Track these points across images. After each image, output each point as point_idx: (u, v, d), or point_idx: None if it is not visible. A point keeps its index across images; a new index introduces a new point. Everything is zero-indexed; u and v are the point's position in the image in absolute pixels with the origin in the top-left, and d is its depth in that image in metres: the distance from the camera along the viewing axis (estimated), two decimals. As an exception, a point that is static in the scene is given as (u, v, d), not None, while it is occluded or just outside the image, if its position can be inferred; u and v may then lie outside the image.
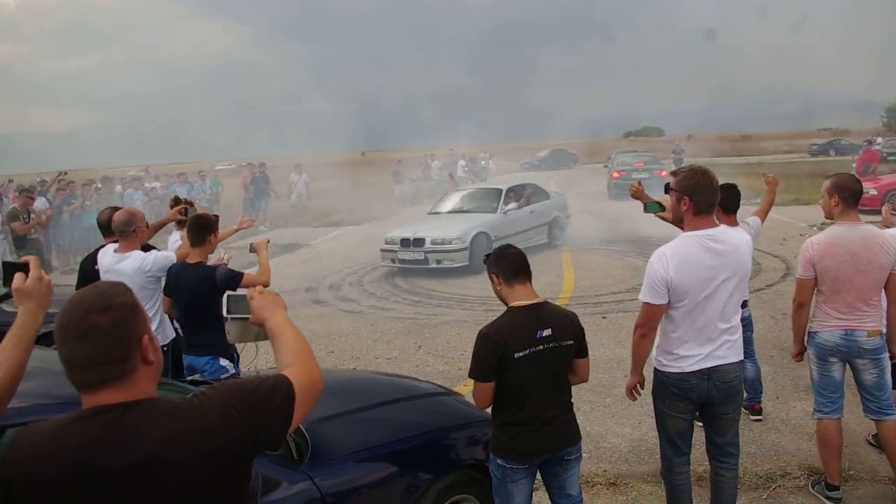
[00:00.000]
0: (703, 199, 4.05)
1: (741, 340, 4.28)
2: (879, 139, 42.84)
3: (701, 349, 4.13)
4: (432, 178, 34.58)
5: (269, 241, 6.03)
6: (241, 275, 5.47)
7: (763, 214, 6.56)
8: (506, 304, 3.88)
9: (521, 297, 3.83)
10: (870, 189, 19.59)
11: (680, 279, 4.01)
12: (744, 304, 6.22)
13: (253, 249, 5.86)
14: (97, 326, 1.93)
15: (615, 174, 29.46)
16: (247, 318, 2.54)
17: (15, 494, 1.91)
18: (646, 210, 5.02)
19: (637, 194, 5.88)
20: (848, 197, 4.92)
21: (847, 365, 5.06)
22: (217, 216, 5.93)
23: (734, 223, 6.01)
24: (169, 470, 1.90)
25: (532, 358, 3.73)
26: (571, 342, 3.84)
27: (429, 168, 35.29)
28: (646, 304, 4.14)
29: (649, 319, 4.17)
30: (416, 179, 34.39)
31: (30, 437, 1.96)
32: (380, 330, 10.71)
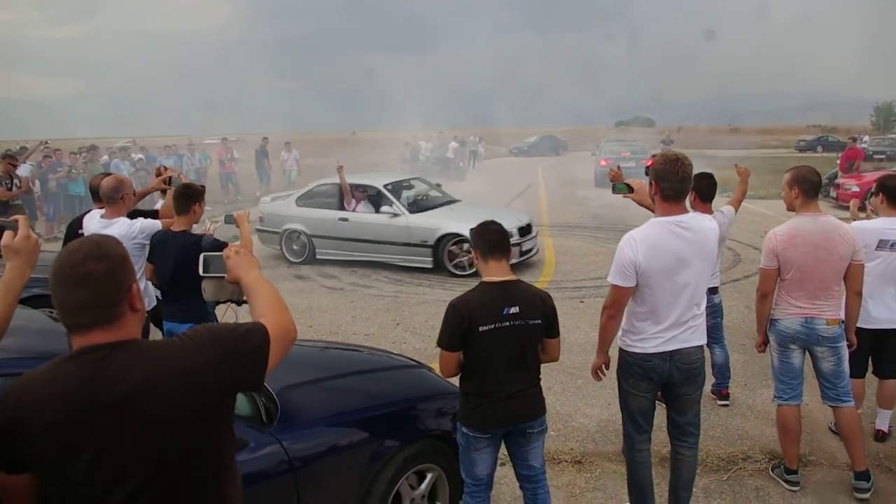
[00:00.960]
0: (669, 185, 4.09)
1: (704, 325, 4.35)
2: (867, 137, 43.07)
3: (664, 332, 4.21)
4: (420, 159, 34.55)
5: (249, 214, 6.08)
6: (225, 244, 5.53)
7: (736, 204, 6.65)
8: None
9: (493, 274, 3.91)
10: (852, 185, 19.76)
11: (648, 263, 4.08)
12: (714, 291, 6.35)
13: (232, 220, 5.90)
14: (91, 273, 2.07)
15: (602, 162, 29.49)
16: (223, 277, 2.65)
17: (17, 438, 2.04)
18: (614, 191, 5.11)
19: (614, 179, 5.98)
20: (808, 189, 5.01)
21: (807, 353, 5.18)
22: (203, 186, 5.97)
23: (709, 211, 6.11)
24: (154, 404, 2.02)
25: (496, 333, 3.80)
26: (539, 321, 3.90)
27: (417, 149, 35.22)
28: (614, 286, 4.20)
29: (616, 301, 4.24)
30: (406, 161, 34.34)
31: (24, 384, 2.09)
32: (360, 307, 10.79)
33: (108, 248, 2.14)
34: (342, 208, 13.71)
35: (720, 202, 6.39)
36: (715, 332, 6.59)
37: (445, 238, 12.73)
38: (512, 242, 11.36)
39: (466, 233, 12.72)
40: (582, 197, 24.50)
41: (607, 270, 4.30)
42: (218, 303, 5.80)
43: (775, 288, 5.14)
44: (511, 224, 12.41)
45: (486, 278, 3.92)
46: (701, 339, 4.32)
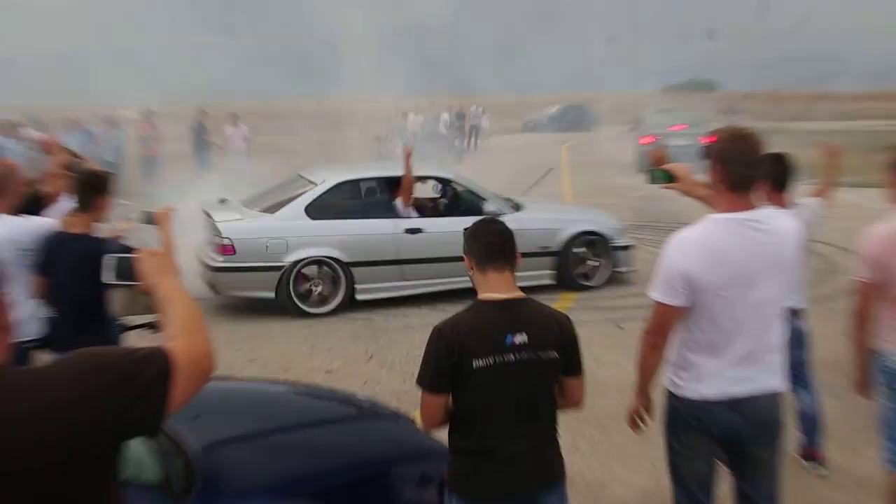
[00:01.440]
0: (737, 169, 4.08)
1: (785, 363, 4.33)
2: None
3: (728, 370, 4.17)
4: (404, 137, 34.60)
5: (173, 211, 6.03)
6: (135, 250, 5.46)
7: (824, 194, 6.64)
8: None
9: (493, 289, 3.88)
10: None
11: (703, 275, 4.06)
12: (798, 314, 6.31)
13: (152, 221, 5.85)
14: None
15: (644, 139, 29.54)
16: (134, 286, 2.74)
17: None
18: (650, 180, 4.97)
19: (655, 162, 5.89)
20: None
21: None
22: (111, 174, 5.96)
23: (784, 203, 6.07)
24: (4, 447, 2.03)
25: (497, 370, 3.77)
26: (554, 354, 3.87)
27: (402, 124, 35.32)
28: (657, 303, 4.19)
29: (661, 325, 4.22)
30: (385, 138, 34.45)
31: None
32: (320, 334, 10.75)
33: None
34: (394, 215, 12.02)
35: (802, 193, 6.35)
36: (800, 371, 6.55)
37: (574, 239, 12.63)
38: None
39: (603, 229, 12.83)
40: (619, 185, 24.54)
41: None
42: (129, 328, 5.74)
43: (877, 308, 5.06)
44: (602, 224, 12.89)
45: (483, 295, 3.90)
46: (780, 381, 4.30)
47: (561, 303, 11.75)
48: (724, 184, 4.14)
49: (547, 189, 24.11)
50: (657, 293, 4.18)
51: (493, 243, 3.93)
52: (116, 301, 2.67)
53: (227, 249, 11.27)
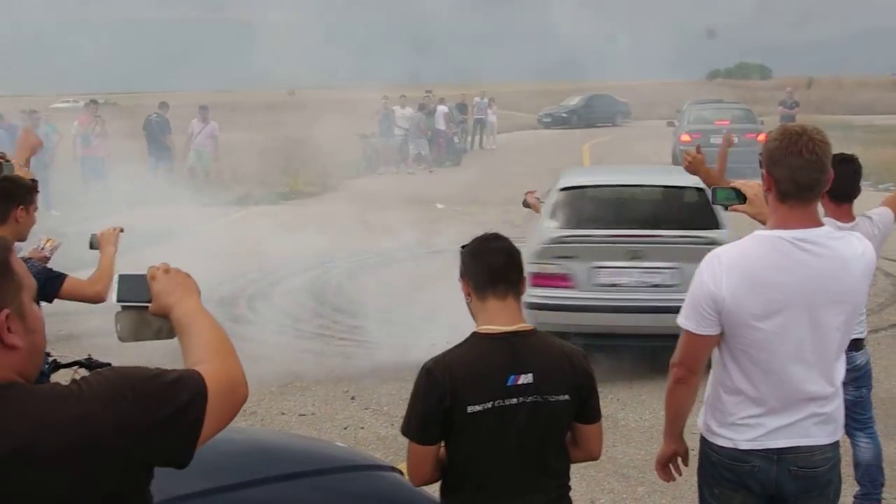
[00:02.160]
0: (788, 175, 3.99)
1: (842, 409, 4.30)
2: None
3: (769, 417, 4.17)
4: (396, 133, 34.64)
5: (121, 231, 6.08)
6: (60, 279, 5.54)
7: None
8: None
9: (493, 320, 3.87)
10: None
11: (734, 301, 4.03)
12: (857, 346, 6.33)
13: (94, 245, 5.89)
14: None
15: (685, 136, 29.59)
16: (145, 307, 2.80)
17: None
18: (715, 200, 4.98)
19: (695, 167, 5.89)
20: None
21: None
22: (35, 181, 5.97)
23: (848, 217, 6.10)
24: (38, 462, 2.18)
25: (496, 416, 3.77)
26: (566, 397, 3.87)
27: (390, 118, 35.24)
28: (686, 332, 4.19)
29: (690, 357, 4.23)
30: (371, 135, 34.43)
31: None
32: (293, 371, 10.76)
33: None
34: None
35: (871, 201, 6.38)
36: (859, 412, 6.58)
37: None
38: None
39: None
40: (653, 192, 24.54)
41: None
42: (61, 365, 5.77)
43: None
44: None
45: (481, 327, 3.89)
46: (832, 433, 4.27)
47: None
48: (774, 193, 4.07)
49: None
50: (684, 319, 4.17)
51: (494, 263, 3.90)
52: (124, 326, 2.70)
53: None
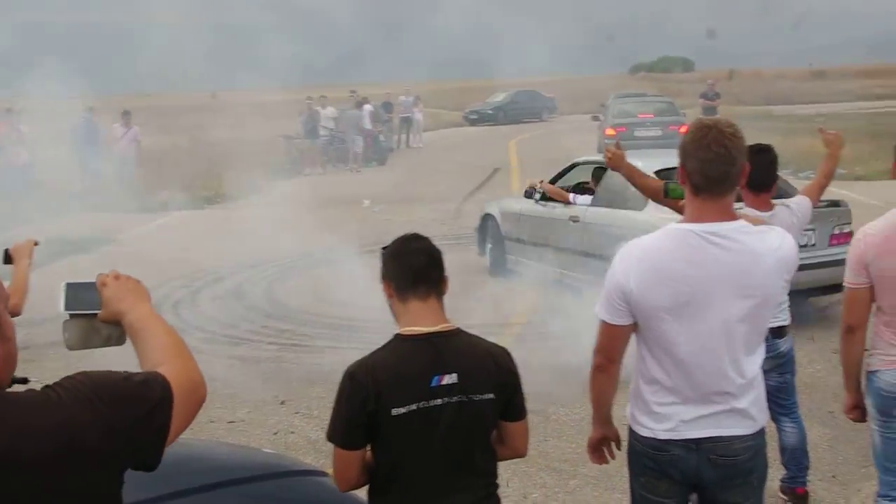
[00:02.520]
0: (699, 168, 4.01)
1: (760, 400, 4.31)
2: None
3: (685, 406, 4.19)
4: (321, 134, 34.56)
5: (36, 244, 5.99)
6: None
7: (816, 192, 6.69)
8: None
9: (416, 321, 3.87)
10: None
11: (641, 292, 4.05)
12: (780, 333, 6.39)
13: (8, 259, 5.81)
14: None
15: (610, 130, 29.84)
16: (94, 315, 2.81)
17: None
18: (667, 194, 5.01)
19: (615, 163, 5.90)
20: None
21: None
22: None
23: (767, 206, 6.16)
24: (20, 469, 2.19)
25: (421, 418, 3.77)
26: (491, 396, 3.87)
27: (314, 119, 35.17)
28: (601, 321, 4.22)
29: (606, 346, 4.26)
30: (295, 137, 34.33)
31: None
32: (221, 377, 10.65)
33: None
34: None
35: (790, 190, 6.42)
36: (784, 398, 6.67)
37: None
38: None
39: None
40: (579, 187, 24.70)
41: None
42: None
43: (867, 319, 5.19)
44: None
45: (403, 329, 3.88)
46: (751, 421, 4.28)
47: (509, 329, 11.87)
48: (687, 187, 4.09)
49: (494, 194, 24.23)
50: (599, 308, 4.20)
51: (415, 264, 3.89)
52: (72, 334, 2.68)
53: None
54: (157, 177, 28.76)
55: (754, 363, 4.24)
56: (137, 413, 2.35)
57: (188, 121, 43.11)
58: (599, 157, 13.46)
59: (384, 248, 4.03)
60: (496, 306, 13.01)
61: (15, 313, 5.78)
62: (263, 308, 14.09)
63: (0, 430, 2.20)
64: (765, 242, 4.14)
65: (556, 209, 13.54)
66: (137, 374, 2.45)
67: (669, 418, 4.22)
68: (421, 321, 3.86)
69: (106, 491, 2.36)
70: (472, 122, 58.60)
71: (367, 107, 36.62)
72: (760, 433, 4.34)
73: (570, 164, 14.56)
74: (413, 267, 3.89)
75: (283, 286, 15.31)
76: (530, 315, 12.91)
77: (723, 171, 4.01)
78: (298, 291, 14.84)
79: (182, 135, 38.76)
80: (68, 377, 2.36)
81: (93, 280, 2.82)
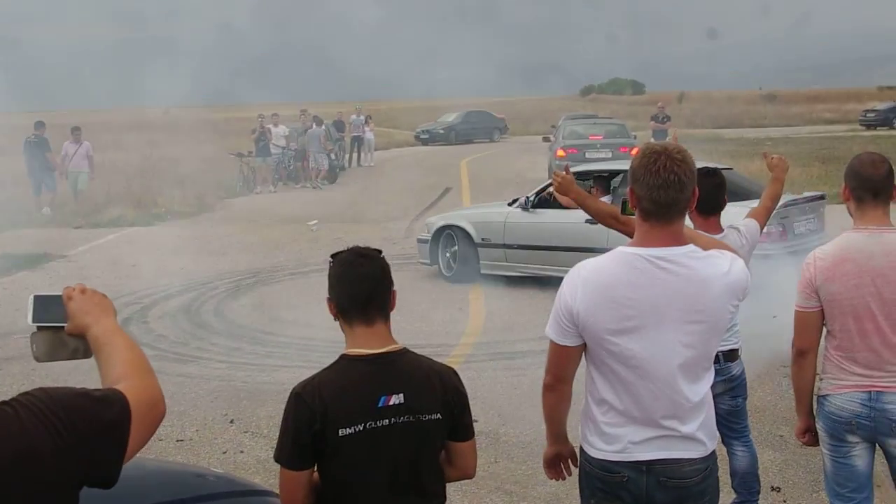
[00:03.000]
0: (648, 194, 4.00)
1: (708, 423, 4.29)
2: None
3: (634, 428, 4.16)
4: (273, 152, 34.49)
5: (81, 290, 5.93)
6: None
7: (763, 215, 6.70)
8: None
9: (362, 343, 3.84)
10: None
11: (588, 315, 4.03)
12: (732, 356, 6.41)
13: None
14: None
15: (560, 152, 30.00)
16: (62, 328, 2.84)
17: None
18: (623, 211, 5.00)
19: (565, 188, 5.81)
20: (858, 188, 5.10)
21: (876, 447, 5.25)
22: None
23: (716, 229, 6.18)
24: None
25: (368, 438, 3.74)
26: (438, 416, 3.85)
27: (265, 137, 35.11)
28: (550, 341, 4.21)
29: (556, 365, 4.25)
30: (248, 153, 34.25)
31: None
32: (169, 395, 10.43)
33: None
34: None
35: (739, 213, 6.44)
36: (735, 421, 6.66)
37: None
38: None
39: None
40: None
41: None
42: None
43: (818, 342, 5.21)
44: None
45: (349, 350, 3.85)
46: (701, 444, 4.26)
47: (459, 349, 11.87)
48: (637, 211, 4.08)
49: (445, 213, 24.27)
50: (548, 328, 4.19)
51: (361, 293, 3.84)
52: (40, 346, 2.71)
53: None
54: (107, 193, 28.60)
55: (702, 387, 4.22)
56: (95, 430, 2.33)
57: (140, 138, 43.02)
58: (595, 167, 15.06)
59: (332, 257, 3.98)
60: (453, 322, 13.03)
61: None
62: (212, 325, 13.98)
63: None
64: (714, 267, 4.12)
65: (562, 213, 14.20)
66: (96, 390, 2.44)
67: (619, 439, 4.19)
68: (367, 344, 3.83)
69: None
70: (424, 142, 58.70)
71: (317, 129, 36.61)
72: (711, 456, 4.31)
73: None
74: (359, 296, 3.83)
75: (233, 304, 15.21)
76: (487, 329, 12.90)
77: (672, 197, 3.98)
78: (247, 309, 14.80)
79: (134, 151, 38.62)
80: (25, 393, 2.35)
81: (59, 293, 2.84)
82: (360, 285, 3.84)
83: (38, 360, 2.94)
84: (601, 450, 4.23)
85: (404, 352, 3.90)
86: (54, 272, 18.32)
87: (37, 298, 2.88)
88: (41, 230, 23.82)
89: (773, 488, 7.40)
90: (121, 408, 2.40)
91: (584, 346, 4.16)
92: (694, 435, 4.19)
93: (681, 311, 4.06)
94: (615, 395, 4.16)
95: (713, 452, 4.32)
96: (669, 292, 4.04)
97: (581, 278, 4.08)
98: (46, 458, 2.23)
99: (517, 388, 10.18)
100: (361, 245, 4.06)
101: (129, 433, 2.40)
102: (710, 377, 4.28)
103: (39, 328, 2.87)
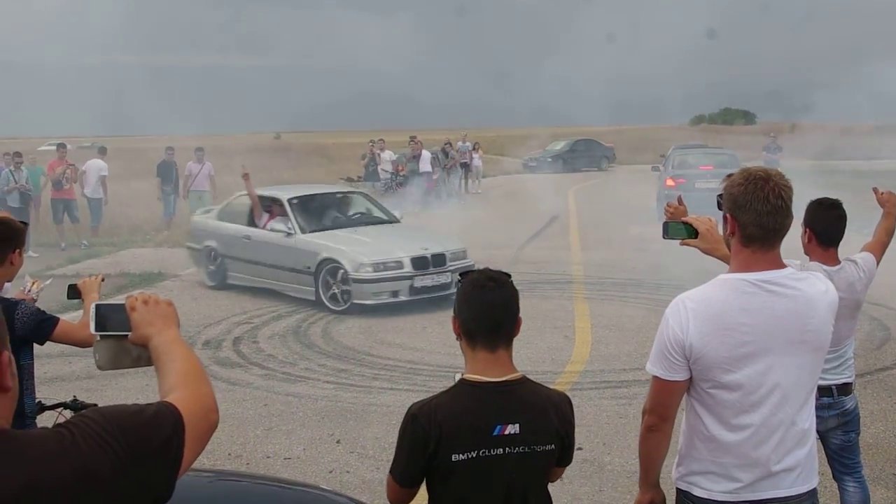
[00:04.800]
0: (755, 220, 3.99)
1: (813, 452, 4.25)
2: None
3: (741, 465, 4.13)
4: (381, 175, 34.81)
5: (103, 280, 6.07)
6: (53, 321, 5.55)
7: (879, 249, 6.62)
8: None
9: (482, 370, 3.84)
10: None
11: (705, 345, 4.01)
12: (846, 390, 6.32)
13: (76, 294, 5.86)
14: None
15: (670, 181, 29.73)
16: (125, 336, 2.85)
17: None
18: (666, 234, 4.99)
19: (672, 216, 5.82)
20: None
21: None
22: (25, 224, 5.96)
23: (834, 261, 6.11)
24: None
25: (481, 465, 3.76)
26: (552, 447, 3.87)
27: (375, 161, 35.49)
28: (655, 378, 4.18)
29: (660, 403, 4.21)
30: (357, 178, 34.59)
31: None
32: (278, 414, 10.74)
33: None
34: (253, 224, 18.01)
35: (856, 245, 6.37)
36: (848, 457, 6.55)
37: (325, 264, 16.37)
38: (399, 274, 15.42)
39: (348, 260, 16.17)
40: (638, 237, 24.55)
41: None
42: (45, 407, 5.76)
43: None
44: (405, 251, 16.40)
45: (469, 375, 3.85)
46: (807, 478, 4.22)
47: (565, 377, 11.84)
48: (738, 238, 4.07)
49: (551, 242, 24.19)
50: (652, 365, 4.16)
51: (487, 320, 3.83)
52: (103, 355, 2.76)
53: None
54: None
55: (810, 411, 4.21)
56: (151, 448, 2.33)
57: (252, 162, 43.66)
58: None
59: (461, 276, 4.00)
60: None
61: (90, 344, 5.87)
62: (321, 347, 14.09)
63: (17, 470, 2.16)
64: (814, 287, 4.16)
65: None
66: (149, 406, 2.44)
67: (728, 480, 4.16)
68: (488, 371, 3.83)
69: None
70: (532, 170, 58.58)
71: (426, 153, 36.82)
72: (815, 492, 4.29)
73: None
74: (486, 322, 3.83)
75: (341, 326, 15.30)
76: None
77: (780, 222, 4.02)
78: (354, 332, 14.89)
79: (253, 174, 39.17)
80: (80, 414, 2.36)
81: (122, 302, 2.88)
82: (490, 311, 3.84)
83: (100, 368, 2.98)
84: (706, 489, 4.20)
85: (524, 381, 3.91)
86: (168, 291, 18.61)
87: (98, 307, 2.93)
88: (157, 249, 24.31)
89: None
90: (174, 423, 2.41)
91: (688, 382, 4.14)
92: (802, 467, 4.17)
93: (792, 333, 4.06)
94: (724, 431, 4.13)
95: (815, 488, 4.28)
96: (780, 314, 4.04)
97: (689, 310, 4.05)
98: (106, 478, 2.23)
99: (624, 417, 10.14)
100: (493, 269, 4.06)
101: (184, 447, 2.40)
102: (813, 404, 4.25)
103: (102, 337, 2.92)
